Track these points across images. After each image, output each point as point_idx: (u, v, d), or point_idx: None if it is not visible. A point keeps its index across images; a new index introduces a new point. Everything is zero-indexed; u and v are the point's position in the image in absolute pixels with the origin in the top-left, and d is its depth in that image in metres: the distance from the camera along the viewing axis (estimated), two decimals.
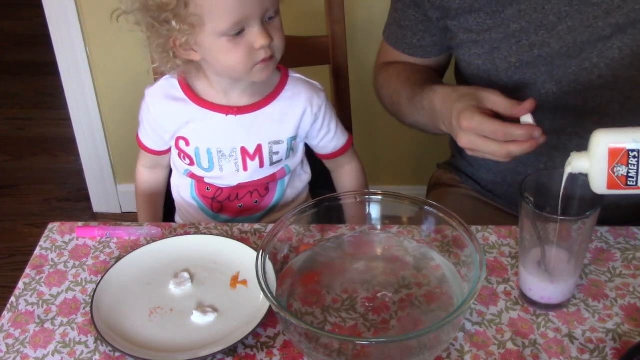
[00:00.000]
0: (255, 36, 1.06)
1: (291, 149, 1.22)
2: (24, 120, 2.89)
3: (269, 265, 0.89)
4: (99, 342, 0.92)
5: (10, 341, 0.93)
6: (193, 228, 1.10)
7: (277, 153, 1.21)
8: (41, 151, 2.71)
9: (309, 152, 1.30)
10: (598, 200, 0.86)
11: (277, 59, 1.12)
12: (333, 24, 1.42)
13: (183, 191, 1.29)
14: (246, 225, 1.10)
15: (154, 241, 1.06)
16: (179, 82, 1.19)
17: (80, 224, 1.11)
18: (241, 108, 1.18)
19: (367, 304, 0.91)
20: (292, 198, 1.30)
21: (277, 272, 0.91)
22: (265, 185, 1.25)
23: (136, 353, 0.89)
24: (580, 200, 0.89)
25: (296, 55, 1.27)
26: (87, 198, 2.41)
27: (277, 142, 1.20)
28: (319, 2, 1.47)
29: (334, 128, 1.26)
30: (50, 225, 1.11)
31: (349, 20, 1.45)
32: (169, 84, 1.20)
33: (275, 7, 1.08)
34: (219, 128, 1.18)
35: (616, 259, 1.01)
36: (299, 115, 1.20)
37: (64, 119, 2.37)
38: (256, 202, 1.26)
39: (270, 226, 1.00)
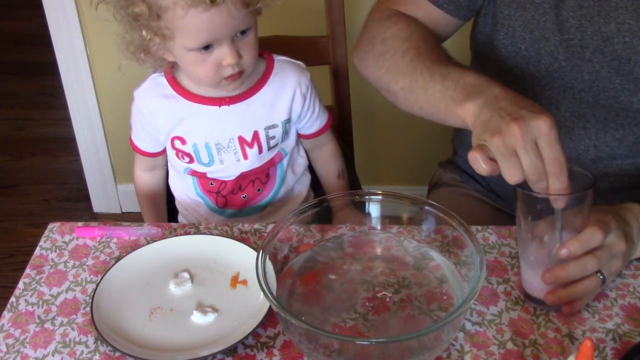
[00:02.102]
0: (223, 54, 1.09)
1: (285, 132, 1.24)
2: (24, 120, 2.89)
3: (269, 265, 0.89)
4: (99, 342, 0.92)
5: (10, 341, 0.93)
6: (193, 228, 1.10)
7: (273, 137, 1.22)
8: (41, 151, 2.72)
9: None
10: (589, 183, 0.86)
11: (247, 73, 1.14)
12: (333, 24, 1.42)
13: (187, 190, 1.28)
14: (246, 225, 1.10)
15: (154, 241, 1.06)
16: (167, 80, 1.19)
17: (80, 224, 1.11)
18: (233, 98, 1.19)
19: (367, 304, 0.91)
20: (292, 184, 1.31)
21: (277, 272, 0.91)
22: (266, 171, 1.25)
23: (136, 353, 0.89)
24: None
25: (296, 55, 1.27)
26: (87, 198, 2.41)
27: (272, 127, 1.21)
28: (319, 2, 1.47)
29: (318, 106, 1.28)
30: (50, 225, 1.11)
31: (349, 20, 1.45)
32: (157, 83, 1.20)
33: (248, 25, 1.09)
34: (214, 120, 1.19)
35: None
36: (290, 98, 1.22)
37: (64, 119, 2.37)
38: (259, 190, 1.26)
39: (270, 226, 1.00)
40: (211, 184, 1.25)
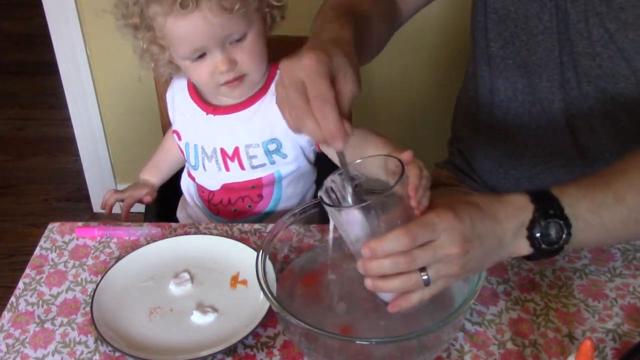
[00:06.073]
0: (215, 62, 1.08)
1: (274, 153, 1.17)
2: (24, 120, 2.89)
3: (269, 265, 0.89)
4: (99, 342, 0.92)
5: (10, 341, 0.93)
6: (193, 228, 1.10)
7: (255, 157, 1.17)
8: (41, 151, 2.72)
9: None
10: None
11: (250, 77, 1.12)
12: None
13: (191, 189, 1.29)
14: (246, 225, 1.10)
15: (154, 241, 1.06)
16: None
17: (80, 224, 1.11)
18: (218, 109, 1.18)
19: (367, 304, 0.90)
20: (292, 200, 1.24)
21: (277, 272, 0.91)
22: (258, 192, 1.21)
23: (136, 353, 0.89)
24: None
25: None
26: (87, 198, 2.41)
27: (252, 146, 1.17)
28: (318, 2, 1.47)
29: None
30: (50, 225, 1.11)
31: None
32: (184, 75, 1.23)
33: (242, 31, 1.07)
34: (202, 126, 1.20)
35: (616, 259, 1.01)
36: (277, 118, 1.03)
37: (64, 119, 2.37)
38: (249, 206, 1.23)
39: (271, 226, 1.00)
40: (202, 191, 1.25)
